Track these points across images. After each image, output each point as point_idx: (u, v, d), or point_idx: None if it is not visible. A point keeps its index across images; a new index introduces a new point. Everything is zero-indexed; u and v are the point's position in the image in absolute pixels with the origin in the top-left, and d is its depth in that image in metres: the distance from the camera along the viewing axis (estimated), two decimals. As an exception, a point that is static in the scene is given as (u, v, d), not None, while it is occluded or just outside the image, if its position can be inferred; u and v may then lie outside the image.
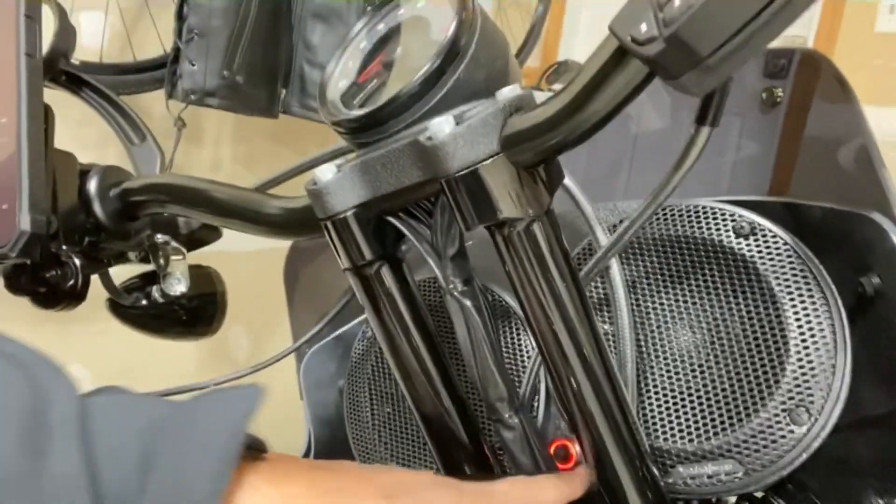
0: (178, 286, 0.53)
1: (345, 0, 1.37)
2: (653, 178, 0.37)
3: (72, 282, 0.42)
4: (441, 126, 0.34)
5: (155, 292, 0.54)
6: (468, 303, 0.40)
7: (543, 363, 0.40)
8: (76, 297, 0.44)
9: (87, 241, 0.45)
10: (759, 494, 0.52)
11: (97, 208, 0.46)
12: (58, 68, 0.55)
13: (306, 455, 0.62)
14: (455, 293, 0.40)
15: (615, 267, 0.46)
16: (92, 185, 0.46)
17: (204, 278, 0.60)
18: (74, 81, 0.57)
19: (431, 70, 0.36)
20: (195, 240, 0.55)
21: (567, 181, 0.44)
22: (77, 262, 0.42)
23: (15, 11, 0.39)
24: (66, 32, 0.55)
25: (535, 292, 0.37)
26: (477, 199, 0.34)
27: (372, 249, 0.39)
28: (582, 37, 2.44)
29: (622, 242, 0.40)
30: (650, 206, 0.37)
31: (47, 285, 0.43)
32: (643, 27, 0.27)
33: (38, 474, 0.25)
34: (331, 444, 0.63)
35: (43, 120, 0.40)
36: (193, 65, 1.22)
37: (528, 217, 0.35)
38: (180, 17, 1.21)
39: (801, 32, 2.02)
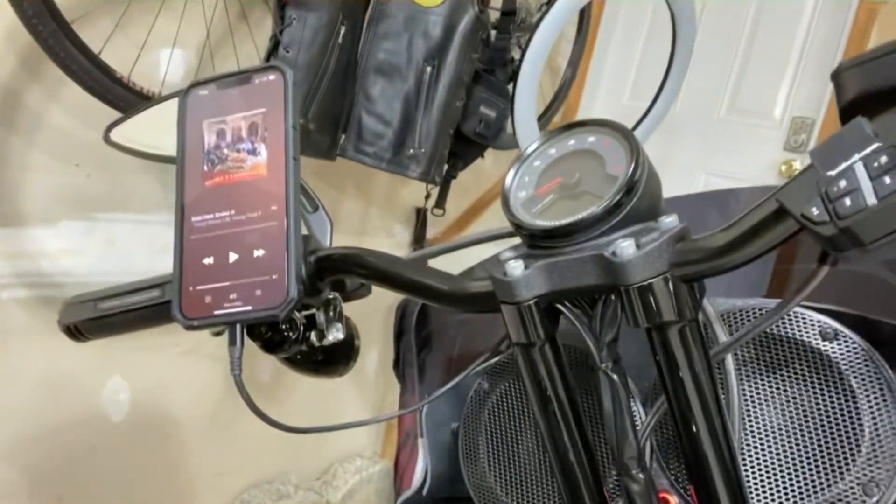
0: (337, 334, 0.63)
1: (405, 59, 1.49)
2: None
3: (296, 333, 0.52)
4: (626, 249, 0.44)
5: (313, 337, 0.64)
6: (616, 378, 0.50)
7: (678, 435, 0.49)
8: (297, 343, 0.53)
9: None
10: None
11: (302, 272, 0.56)
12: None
13: (422, 485, 0.71)
14: (607, 371, 0.50)
15: (729, 358, 0.56)
16: None
17: (348, 329, 0.69)
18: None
19: (614, 202, 0.46)
20: (351, 296, 0.65)
21: None
22: (300, 317, 0.52)
23: (283, 124, 0.49)
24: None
25: (681, 381, 0.47)
26: (646, 306, 0.45)
27: (544, 331, 0.49)
28: (600, 100, 2.60)
29: (739, 343, 0.51)
30: (766, 321, 0.47)
31: (278, 335, 0.52)
32: (815, 210, 0.38)
33: None
34: (444, 477, 0.72)
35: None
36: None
37: (683, 321, 0.45)
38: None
39: (809, 115, 2.14)
